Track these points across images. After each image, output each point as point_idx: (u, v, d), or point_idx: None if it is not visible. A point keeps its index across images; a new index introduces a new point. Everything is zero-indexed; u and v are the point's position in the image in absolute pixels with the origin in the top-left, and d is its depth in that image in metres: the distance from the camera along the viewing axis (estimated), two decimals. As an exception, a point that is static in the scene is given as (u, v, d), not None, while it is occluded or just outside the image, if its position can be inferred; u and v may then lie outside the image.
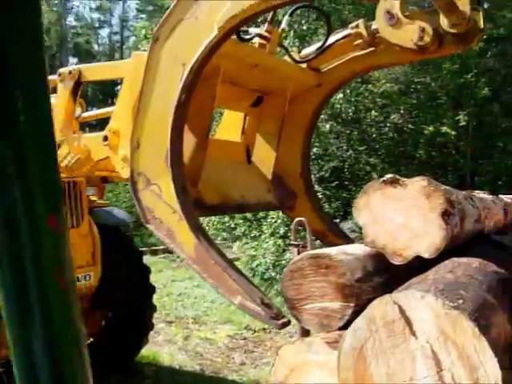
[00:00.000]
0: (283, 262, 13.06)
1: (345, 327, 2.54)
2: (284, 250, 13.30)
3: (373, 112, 15.00)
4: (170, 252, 16.59)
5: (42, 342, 0.85)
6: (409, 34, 4.75)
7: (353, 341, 1.98)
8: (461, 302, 1.91)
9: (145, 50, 4.74)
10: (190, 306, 12.50)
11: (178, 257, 17.30)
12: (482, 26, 4.66)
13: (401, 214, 2.67)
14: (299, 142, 6.21)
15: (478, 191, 4.49)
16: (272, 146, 5.82)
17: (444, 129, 14.25)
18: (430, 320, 1.85)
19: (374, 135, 14.78)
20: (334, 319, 2.59)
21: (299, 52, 6.03)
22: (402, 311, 1.89)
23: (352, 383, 1.99)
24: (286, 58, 5.87)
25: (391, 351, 1.91)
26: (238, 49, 4.85)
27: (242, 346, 10.03)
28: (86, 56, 53.04)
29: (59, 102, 5.59)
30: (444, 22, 4.58)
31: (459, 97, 15.44)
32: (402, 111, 15.03)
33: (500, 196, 5.41)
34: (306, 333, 2.83)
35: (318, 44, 5.92)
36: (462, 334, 1.81)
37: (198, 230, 4.23)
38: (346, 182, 15.14)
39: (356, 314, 2.41)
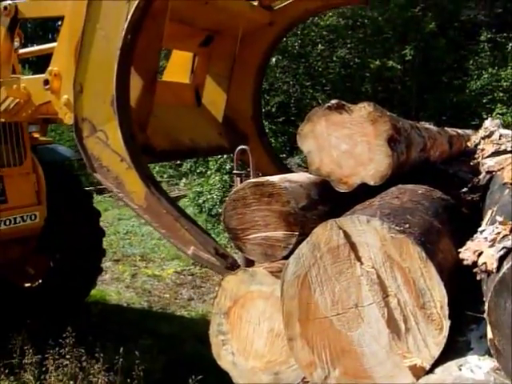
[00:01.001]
0: (230, 197, 13.01)
1: (289, 257, 2.47)
2: (230, 186, 13.24)
3: (319, 46, 14.82)
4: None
5: None
6: None
7: (296, 268, 1.90)
8: (407, 226, 1.85)
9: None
10: (137, 244, 12.41)
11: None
12: None
13: (346, 141, 2.59)
14: (250, 83, 6.06)
15: (423, 122, 4.48)
16: (223, 87, 5.66)
17: (390, 63, 14.21)
18: (376, 245, 1.78)
19: (321, 70, 14.67)
20: (277, 248, 2.53)
21: None
22: (347, 236, 1.82)
23: (297, 312, 1.92)
24: None
25: (336, 278, 1.84)
26: None
27: (189, 282, 10.05)
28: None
29: None
30: None
31: (406, 31, 15.37)
32: (348, 46, 14.91)
33: (445, 128, 5.44)
34: (249, 263, 2.75)
35: None
36: (408, 259, 1.75)
37: (149, 179, 4.11)
38: (293, 118, 15.05)
39: (300, 243, 2.34)
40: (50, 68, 4.79)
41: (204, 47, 5.73)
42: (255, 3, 5.61)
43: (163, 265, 11.05)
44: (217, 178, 13.54)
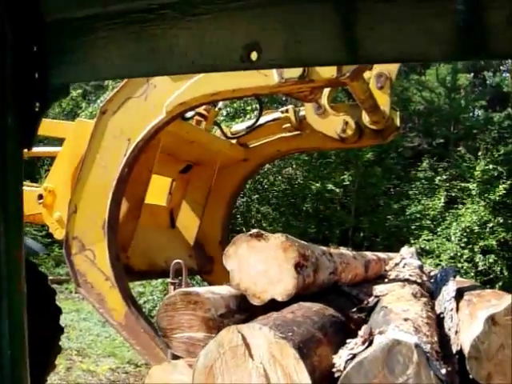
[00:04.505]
0: (171, 300, 13.26)
1: (207, 354, 3.04)
2: (172, 289, 13.54)
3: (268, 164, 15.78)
4: (59, 283, 16.47)
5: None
6: (333, 125, 5.31)
7: (205, 361, 2.50)
8: (290, 334, 2.47)
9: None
10: (75, 338, 12.52)
11: (66, 288, 17.20)
12: (398, 124, 5.31)
13: (262, 263, 3.24)
14: (222, 211, 6.56)
15: (342, 247, 5.07)
16: (197, 213, 6.10)
17: (330, 186, 15.27)
18: (264, 346, 2.40)
19: (267, 186, 15.55)
20: (198, 347, 3.07)
21: (230, 127, 6.48)
22: (244, 338, 2.43)
23: (203, 395, 2.50)
24: (218, 132, 6.28)
25: (234, 370, 2.44)
26: (179, 126, 5.09)
27: (122, 380, 10.20)
28: None
29: None
30: (366, 118, 5.19)
31: (347, 158, 16.54)
32: (294, 165, 15.91)
33: (365, 253, 6.03)
34: (175, 358, 3.31)
35: (249, 122, 6.38)
36: (286, 358, 2.36)
37: (129, 299, 4.47)
38: (238, 228, 15.72)
39: (217, 343, 2.92)
40: (45, 184, 5.21)
41: (183, 174, 6.23)
42: (233, 141, 6.26)
43: (98, 361, 11.18)
44: (159, 280, 13.90)
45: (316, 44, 1.05)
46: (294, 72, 3.57)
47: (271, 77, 3.66)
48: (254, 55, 1.11)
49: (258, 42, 1.09)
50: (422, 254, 13.83)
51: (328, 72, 3.52)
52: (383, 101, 4.77)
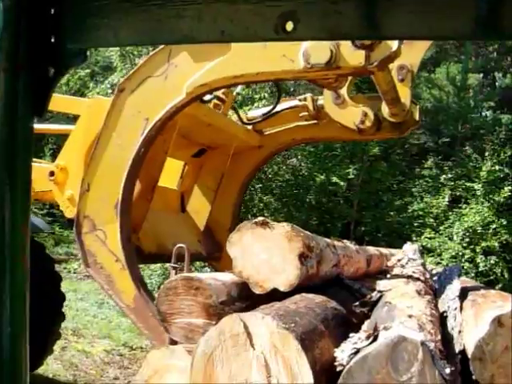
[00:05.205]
0: (168, 285, 13.27)
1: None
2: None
3: (272, 152, 15.73)
4: (58, 262, 16.45)
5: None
6: (352, 115, 5.26)
7: (205, 348, 2.46)
8: (293, 325, 2.44)
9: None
10: (71, 318, 12.47)
11: (65, 268, 17.20)
12: (417, 118, 5.27)
13: (266, 252, 3.21)
14: (233, 197, 6.54)
15: (346, 240, 5.05)
16: (208, 199, 6.09)
17: (334, 179, 15.23)
18: (266, 336, 2.36)
19: (270, 175, 15.49)
20: (197, 333, 3.05)
21: (246, 113, 6.45)
22: (245, 327, 2.39)
23: (201, 382, 2.46)
24: (234, 117, 6.25)
25: (234, 358, 2.40)
26: (197, 109, 5.06)
27: (117, 362, 10.21)
28: None
29: None
30: (385, 110, 5.15)
31: (353, 151, 16.48)
32: (299, 156, 15.85)
33: (368, 247, 6.02)
34: (173, 343, 3.28)
35: (266, 109, 6.35)
36: (288, 349, 2.33)
37: (139, 281, 4.42)
38: (240, 216, 15.69)
39: (216, 330, 2.88)
40: (57, 161, 5.18)
41: (195, 158, 6.22)
42: (249, 127, 6.25)
43: (93, 342, 11.19)
44: (158, 264, 13.89)
45: (357, 16, 0.99)
46: (321, 58, 3.52)
47: (297, 62, 3.61)
48: (289, 25, 1.06)
49: (295, 10, 1.03)
50: (424, 251, 13.80)
51: (356, 60, 3.48)
52: (404, 93, 4.75)
